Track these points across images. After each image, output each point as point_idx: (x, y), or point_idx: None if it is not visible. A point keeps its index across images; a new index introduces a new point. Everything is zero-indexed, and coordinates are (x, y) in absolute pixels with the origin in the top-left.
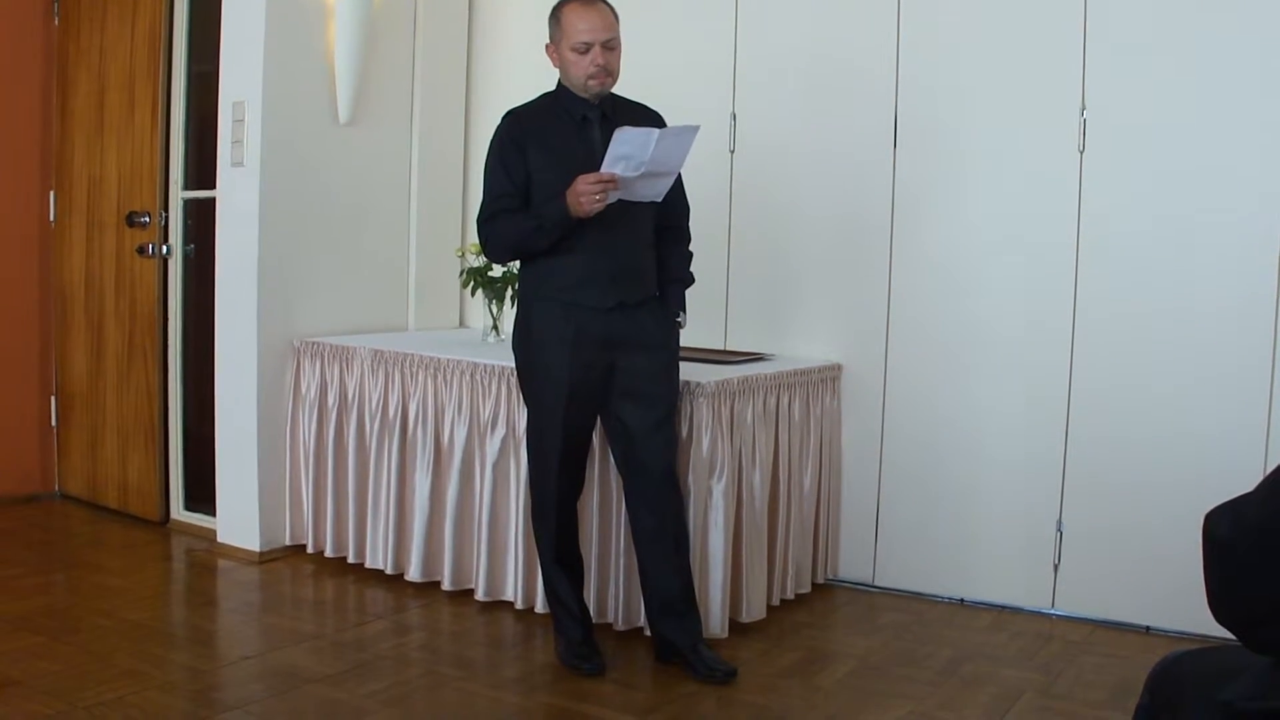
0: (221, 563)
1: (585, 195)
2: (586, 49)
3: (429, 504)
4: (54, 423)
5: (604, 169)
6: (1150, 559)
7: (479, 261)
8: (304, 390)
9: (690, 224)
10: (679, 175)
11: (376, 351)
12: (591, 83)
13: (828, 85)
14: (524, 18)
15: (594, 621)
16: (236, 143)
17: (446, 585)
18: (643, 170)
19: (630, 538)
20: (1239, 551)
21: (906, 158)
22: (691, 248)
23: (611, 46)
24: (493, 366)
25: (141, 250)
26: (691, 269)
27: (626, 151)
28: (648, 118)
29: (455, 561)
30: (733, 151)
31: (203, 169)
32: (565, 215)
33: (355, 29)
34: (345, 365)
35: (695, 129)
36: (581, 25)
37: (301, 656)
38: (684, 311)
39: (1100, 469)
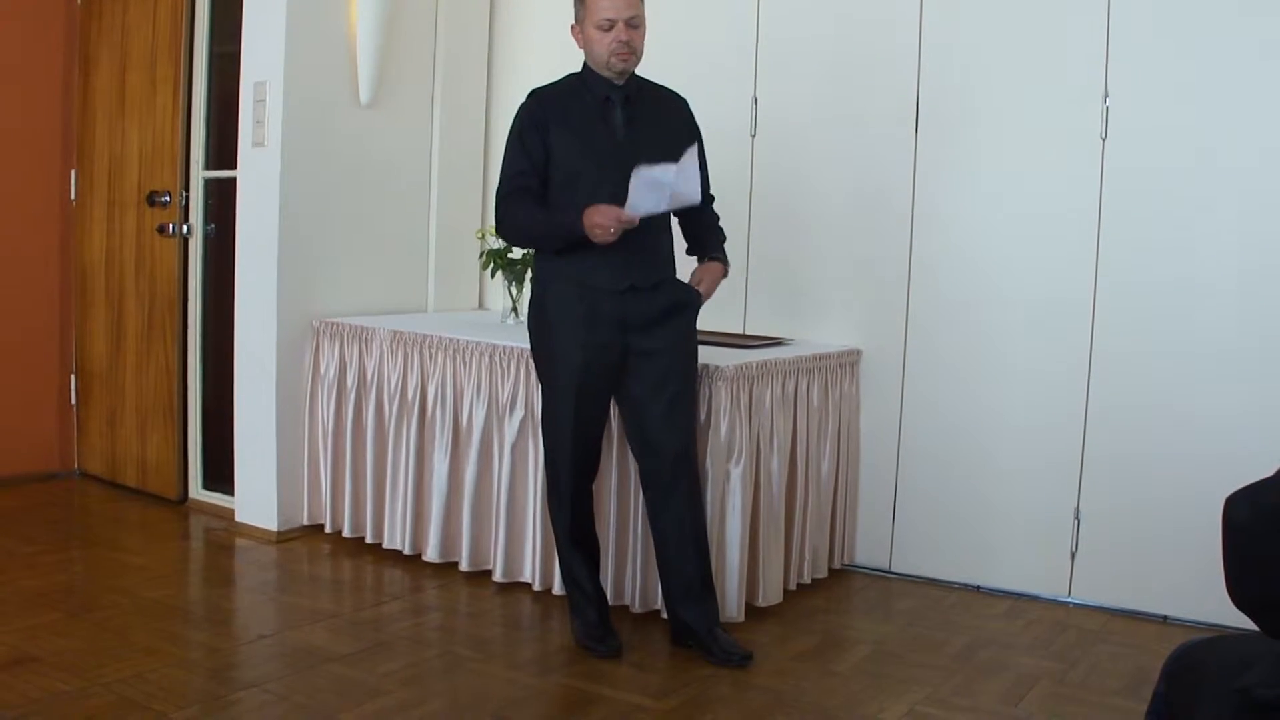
0: (239, 542)
1: (600, 229)
2: (610, 26)
3: (447, 485)
4: (74, 401)
5: (628, 211)
6: (1168, 548)
7: (499, 243)
8: (323, 370)
9: (713, 208)
10: (704, 163)
11: (396, 332)
12: (614, 60)
13: (849, 70)
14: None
15: (611, 604)
16: (258, 123)
17: (464, 566)
18: (665, 208)
19: (648, 521)
20: (1257, 535)
21: (928, 143)
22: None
23: (635, 24)
24: (512, 348)
25: (162, 230)
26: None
27: (648, 191)
28: (672, 101)
29: (473, 542)
30: (753, 135)
31: (223, 149)
32: (577, 232)
33: (377, 10)
34: (364, 346)
35: (693, 149)
36: (605, 2)
37: (319, 636)
38: (726, 257)
39: (1119, 456)
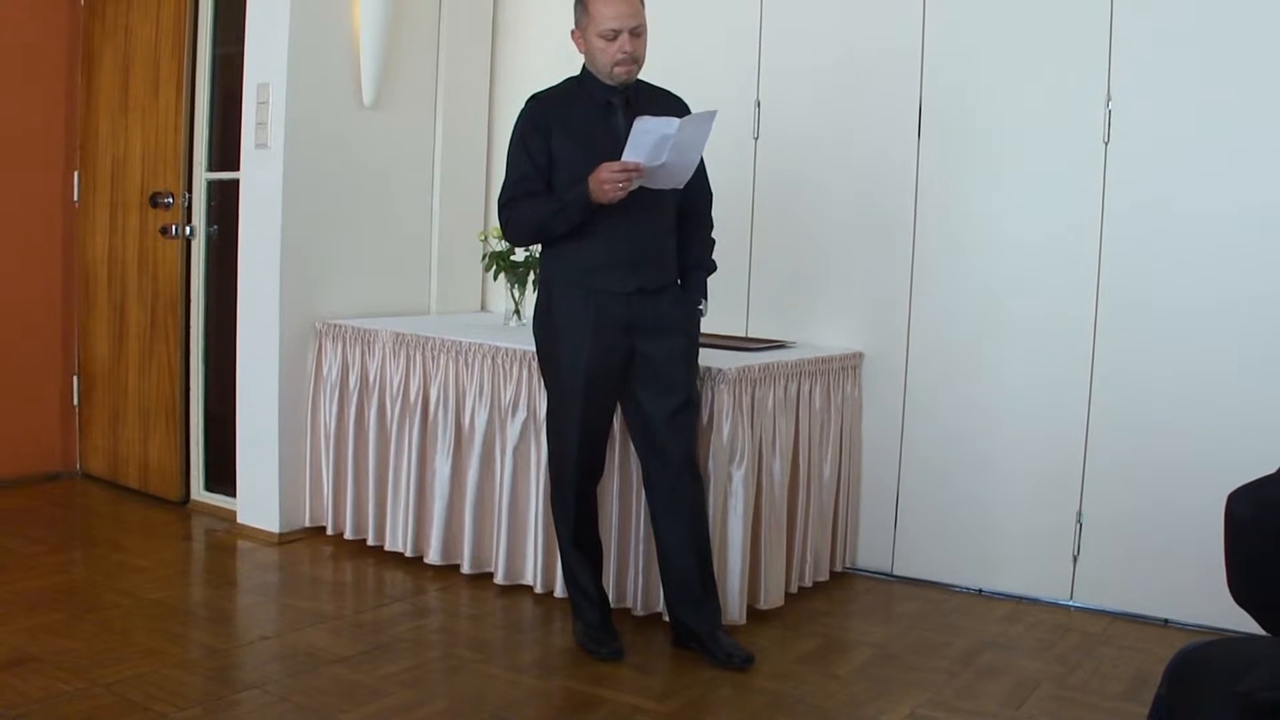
0: (241, 543)
1: (609, 183)
2: (614, 36)
3: (449, 487)
4: (75, 402)
5: (625, 158)
6: (1170, 552)
7: (501, 245)
8: (325, 372)
9: (713, 211)
10: (702, 162)
11: (398, 334)
12: (618, 70)
13: (852, 73)
14: (549, 1)
15: (613, 606)
16: (260, 124)
17: (466, 568)
18: (664, 160)
19: (650, 523)
20: (1258, 531)
21: (930, 146)
22: (714, 235)
23: (638, 33)
24: (514, 350)
25: (164, 231)
26: (714, 256)
27: (647, 141)
28: (672, 104)
29: (475, 545)
30: (756, 139)
31: (226, 150)
32: (586, 201)
33: (380, 12)
34: (367, 348)
35: (713, 114)
36: (609, 12)
37: (320, 637)
38: (705, 299)
39: (1121, 460)
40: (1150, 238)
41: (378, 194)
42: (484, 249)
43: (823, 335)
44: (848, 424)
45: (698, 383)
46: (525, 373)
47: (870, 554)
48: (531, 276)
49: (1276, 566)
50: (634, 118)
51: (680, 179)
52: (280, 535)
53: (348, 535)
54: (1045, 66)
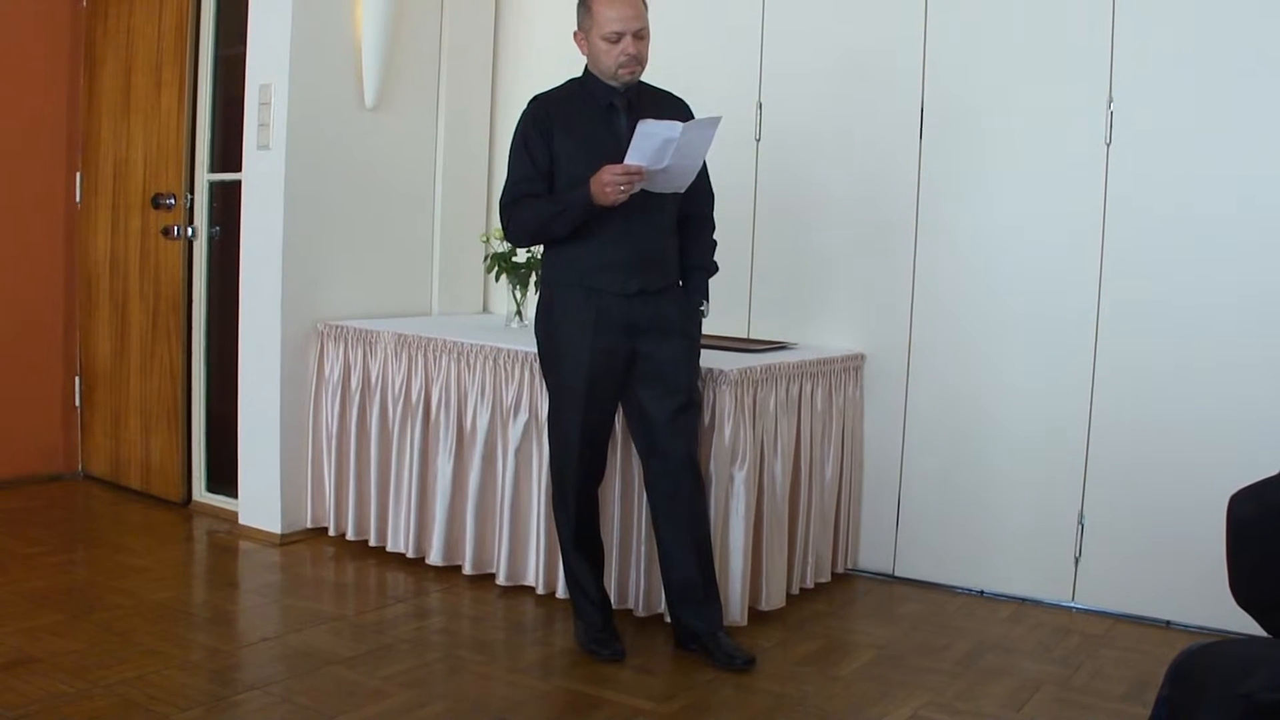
0: (243, 544)
1: (610, 185)
2: (618, 38)
3: (451, 488)
4: (78, 403)
5: (628, 161)
6: (1171, 553)
7: (503, 246)
8: (327, 373)
9: (715, 213)
10: (704, 163)
11: (400, 335)
12: (622, 71)
13: (854, 74)
14: (551, 3)
15: (614, 608)
16: (262, 126)
17: (468, 569)
18: (666, 163)
19: (651, 524)
20: (1259, 532)
21: (932, 148)
22: (716, 236)
23: (642, 35)
24: (516, 351)
25: (166, 232)
26: (716, 258)
27: (650, 144)
28: (674, 106)
29: (476, 546)
30: (758, 140)
31: (228, 152)
32: (588, 202)
33: (383, 13)
34: (369, 349)
35: (717, 120)
36: (613, 14)
37: (321, 638)
38: (707, 300)
39: (1122, 462)
40: (1152, 239)
41: (379, 195)
42: (486, 250)
43: (824, 336)
44: (849, 425)
45: (699, 384)
46: (527, 374)
47: (872, 555)
48: (533, 278)
49: (1278, 568)
50: (636, 119)
51: (682, 183)
52: (282, 536)
53: (349, 536)
54: (1047, 68)
